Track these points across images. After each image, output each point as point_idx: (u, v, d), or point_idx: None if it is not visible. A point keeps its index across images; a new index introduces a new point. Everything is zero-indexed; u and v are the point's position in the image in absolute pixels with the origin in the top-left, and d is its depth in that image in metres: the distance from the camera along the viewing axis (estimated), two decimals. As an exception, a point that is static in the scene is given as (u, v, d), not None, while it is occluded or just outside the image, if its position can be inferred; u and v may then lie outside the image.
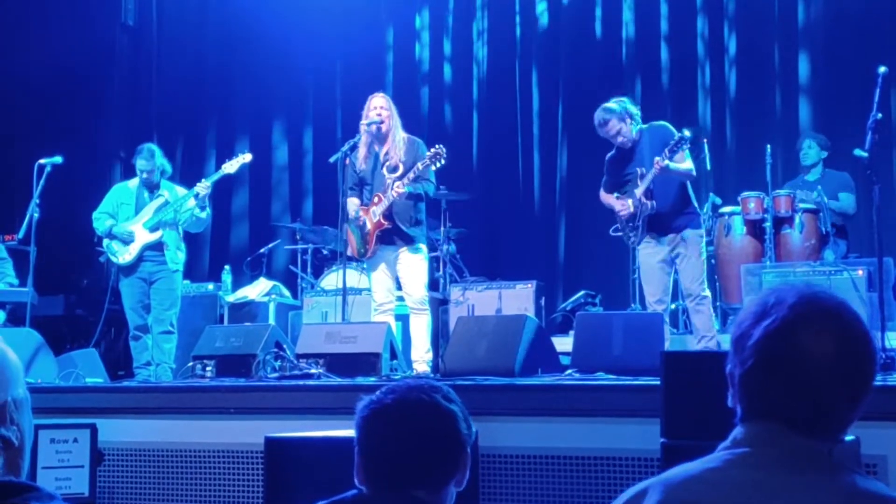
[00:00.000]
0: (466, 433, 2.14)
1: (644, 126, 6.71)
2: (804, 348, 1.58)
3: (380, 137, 6.79)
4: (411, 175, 6.65)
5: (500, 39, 10.89)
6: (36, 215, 7.29)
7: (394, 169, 6.73)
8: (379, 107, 6.76)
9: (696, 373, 3.85)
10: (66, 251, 9.82)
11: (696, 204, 6.75)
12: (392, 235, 6.78)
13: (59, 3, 10.53)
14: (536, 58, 10.72)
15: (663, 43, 10.10)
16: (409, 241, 6.80)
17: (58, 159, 7.40)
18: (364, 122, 6.85)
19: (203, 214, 7.59)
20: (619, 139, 6.61)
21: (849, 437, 3.69)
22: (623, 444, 4.64)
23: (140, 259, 7.48)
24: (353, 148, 6.91)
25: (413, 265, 6.80)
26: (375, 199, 6.76)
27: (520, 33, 10.81)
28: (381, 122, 6.76)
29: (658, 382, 4.12)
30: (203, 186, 7.45)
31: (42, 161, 7.37)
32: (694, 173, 6.68)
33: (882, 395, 4.19)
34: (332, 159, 6.99)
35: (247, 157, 7.82)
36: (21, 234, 7.57)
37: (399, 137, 6.81)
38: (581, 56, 10.42)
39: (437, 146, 6.72)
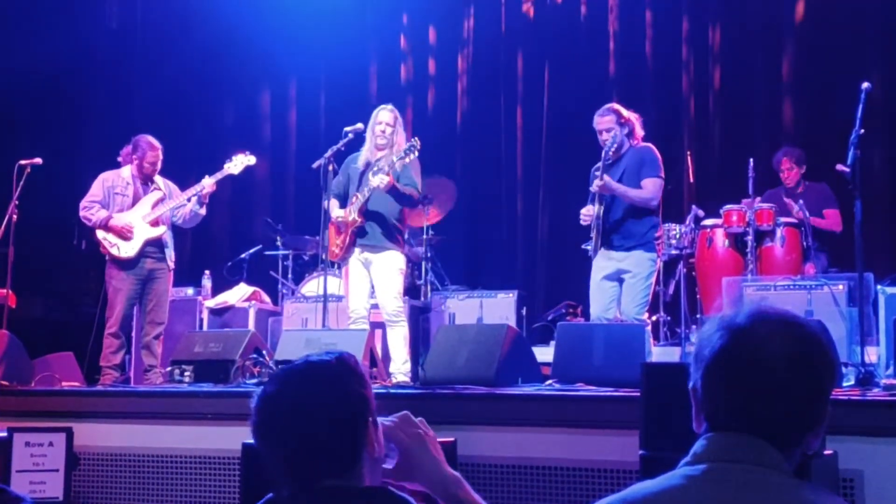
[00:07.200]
0: (361, 394, 1.94)
1: (637, 146, 6.61)
2: (760, 347, 1.59)
3: (381, 146, 6.75)
4: (392, 169, 6.56)
5: (484, 52, 10.91)
6: (15, 217, 7.22)
7: (378, 172, 6.64)
8: (384, 122, 6.75)
9: (677, 385, 3.81)
10: (45, 253, 9.74)
11: (656, 228, 6.56)
12: (366, 235, 6.72)
13: (42, 4, 10.46)
14: (521, 68, 10.73)
15: (649, 51, 10.12)
16: (383, 245, 6.72)
17: (38, 161, 7.34)
18: (348, 128, 6.92)
19: (203, 211, 7.34)
20: (603, 136, 6.54)
21: (826, 452, 3.70)
22: (602, 456, 4.63)
23: (140, 255, 7.10)
24: (337, 154, 6.92)
25: (386, 272, 6.69)
26: (353, 199, 6.73)
27: (505, 43, 10.84)
28: (362, 132, 6.82)
29: (638, 394, 4.11)
30: (211, 183, 7.22)
31: (22, 162, 7.32)
32: (648, 201, 6.44)
33: (859, 410, 4.20)
34: (314, 165, 6.98)
35: (251, 160, 7.42)
36: (-1, 236, 7.46)
37: (398, 148, 6.73)
38: (566, 69, 10.43)
39: (413, 139, 6.69)
